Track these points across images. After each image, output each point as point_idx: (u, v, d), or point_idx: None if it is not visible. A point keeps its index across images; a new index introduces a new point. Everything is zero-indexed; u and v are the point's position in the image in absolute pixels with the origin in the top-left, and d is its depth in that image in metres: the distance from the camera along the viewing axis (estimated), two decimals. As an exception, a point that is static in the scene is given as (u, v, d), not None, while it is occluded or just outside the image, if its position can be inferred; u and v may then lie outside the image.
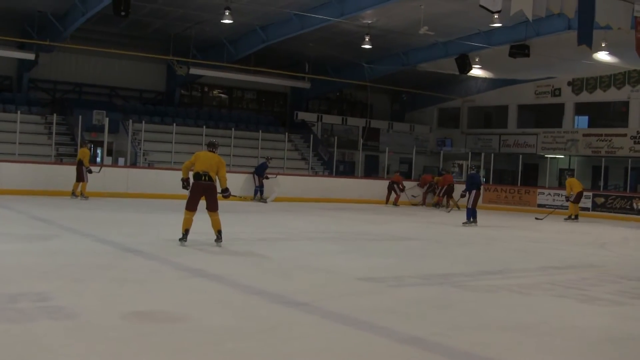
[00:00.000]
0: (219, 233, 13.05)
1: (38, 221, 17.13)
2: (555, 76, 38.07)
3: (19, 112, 29.34)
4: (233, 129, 34.38)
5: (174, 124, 32.30)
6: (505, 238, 19.98)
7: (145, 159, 31.73)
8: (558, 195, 30.70)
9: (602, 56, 29.59)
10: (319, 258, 12.90)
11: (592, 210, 31.35)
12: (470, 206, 21.73)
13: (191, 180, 13.21)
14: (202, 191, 12.99)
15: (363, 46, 31.14)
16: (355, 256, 13.66)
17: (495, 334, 7.51)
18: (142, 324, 7.13)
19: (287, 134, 36.90)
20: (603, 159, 34.22)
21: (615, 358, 7.07)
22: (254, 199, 29.06)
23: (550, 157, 39.07)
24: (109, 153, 31.90)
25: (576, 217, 27.49)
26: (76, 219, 18.23)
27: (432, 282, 10.78)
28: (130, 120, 31.52)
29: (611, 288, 10.91)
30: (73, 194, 24.81)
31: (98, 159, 32.44)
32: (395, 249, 15.76)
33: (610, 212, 30.84)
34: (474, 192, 21.86)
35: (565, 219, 27.46)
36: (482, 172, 38.72)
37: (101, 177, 26.13)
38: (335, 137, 38.28)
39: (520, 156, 36.39)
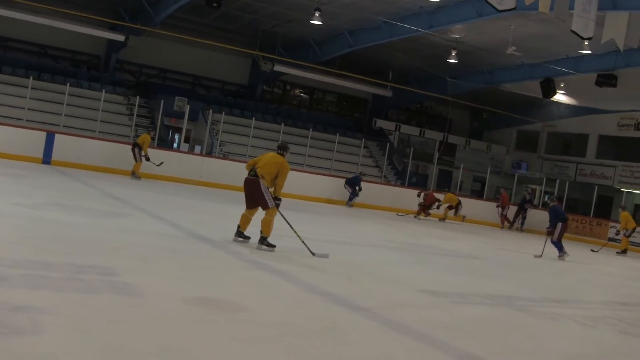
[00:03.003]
0: (261, 234, 11.90)
1: (112, 199, 17.38)
2: (641, 110, 37.45)
3: (103, 91, 29.92)
4: (311, 129, 34.52)
5: (253, 119, 32.51)
6: (573, 268, 19.67)
7: (221, 150, 32.01)
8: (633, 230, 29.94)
9: (693, 94, 29.05)
10: (383, 266, 12.88)
11: (665, 250, 30.79)
12: (556, 239, 20.65)
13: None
14: (247, 187, 12.05)
15: (449, 60, 31.08)
16: (419, 268, 13.63)
17: (554, 362, 7.43)
18: (203, 310, 7.20)
19: (363, 140, 36.90)
20: (682, 199, 33.60)
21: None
22: (346, 204, 29.42)
23: (627, 192, 38.43)
24: (187, 140, 32.27)
25: (625, 251, 27.16)
26: (149, 200, 18.49)
27: (495, 303, 10.69)
28: (211, 110, 31.83)
29: (678, 330, 10.71)
30: (133, 174, 25.28)
31: (175, 145, 32.88)
32: (460, 265, 15.67)
33: (684, 253, 30.19)
34: (560, 224, 20.49)
35: (618, 253, 27.03)
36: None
37: (176, 163, 26.49)
38: (412, 148, 38.13)
39: (596, 187, 35.81)
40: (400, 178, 37.16)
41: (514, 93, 37.21)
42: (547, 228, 20.60)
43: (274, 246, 11.83)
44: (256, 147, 31.09)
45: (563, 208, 32.71)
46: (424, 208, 29.50)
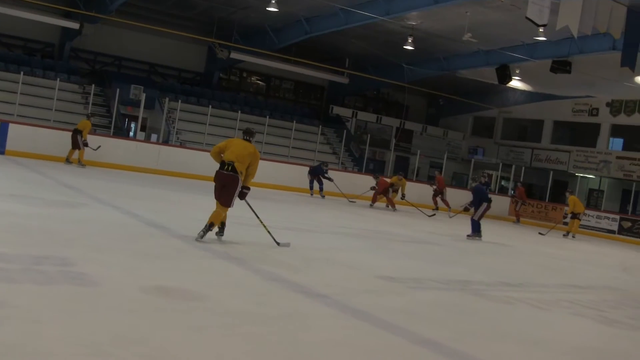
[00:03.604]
0: (209, 226, 11.30)
1: (67, 188, 17.25)
2: (595, 96, 37.76)
3: (58, 79, 29.59)
4: (268, 117, 34.43)
5: (210, 106, 32.41)
6: (528, 252, 19.94)
7: (178, 138, 31.87)
8: (585, 215, 30.19)
9: (644, 80, 29.33)
10: (341, 253, 12.93)
11: (617, 234, 31.19)
12: (477, 219, 20.13)
13: None
14: (221, 180, 11.40)
15: (405, 47, 31.09)
16: (376, 255, 13.69)
17: (509, 346, 7.52)
18: (161, 299, 7.21)
19: (320, 127, 36.95)
20: (634, 184, 34.03)
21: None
22: (317, 193, 29.04)
23: (581, 176, 38.81)
24: (143, 128, 32.10)
25: (568, 233, 27.69)
26: (105, 189, 18.36)
27: (452, 288, 10.80)
28: (167, 98, 31.66)
29: (631, 312, 10.88)
30: (67, 160, 25.13)
31: (131, 133, 32.70)
32: (417, 251, 15.79)
33: (637, 237, 30.60)
34: (484, 205, 20.12)
35: (564, 235, 27.40)
36: (510, 184, 38.64)
37: (132, 152, 26.37)
38: (369, 135, 38.28)
39: (551, 172, 36.30)
40: (358, 165, 37.24)
41: (470, 79, 37.37)
42: (468, 205, 20.48)
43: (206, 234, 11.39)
44: (213, 134, 30.99)
45: (518, 192, 33.20)
46: (380, 194, 29.08)
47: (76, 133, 24.90)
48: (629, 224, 31.36)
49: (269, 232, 11.89)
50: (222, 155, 11.58)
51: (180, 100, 32.39)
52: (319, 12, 31.06)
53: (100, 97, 32.68)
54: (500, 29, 28.90)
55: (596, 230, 31.67)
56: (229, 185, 11.36)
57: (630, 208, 34.01)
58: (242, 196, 11.53)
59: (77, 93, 32.09)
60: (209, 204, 12.03)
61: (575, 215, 27.28)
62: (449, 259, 15.22)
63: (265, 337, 6.34)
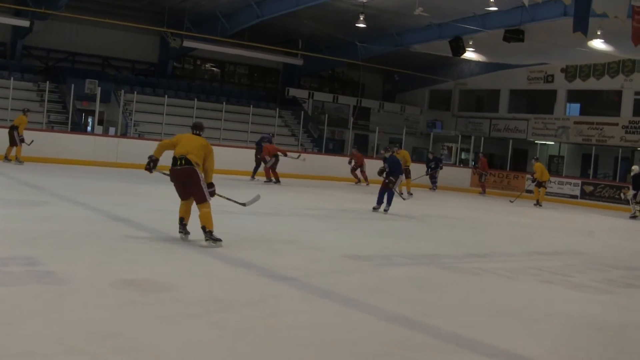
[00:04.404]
0: (203, 230, 10.38)
1: (28, 187, 17.13)
2: (549, 62, 38.01)
3: (12, 78, 29.19)
4: (224, 103, 34.27)
5: (166, 96, 32.20)
6: (492, 222, 20.09)
7: (136, 130, 31.68)
8: (547, 181, 30.34)
9: (597, 44, 29.48)
10: (306, 234, 12.95)
11: (580, 198, 31.45)
12: (395, 191, 19.28)
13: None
14: (178, 178, 10.61)
15: (357, 25, 31.00)
16: (342, 234, 13.72)
17: (480, 317, 7.57)
18: (130, 293, 7.18)
19: (277, 109, 36.86)
20: (593, 148, 34.31)
21: (599, 345, 7.12)
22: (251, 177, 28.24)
23: (541, 143, 39.08)
24: (100, 122, 31.87)
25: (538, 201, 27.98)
26: (67, 186, 18.24)
27: (419, 263, 10.87)
28: (122, 91, 31.44)
29: (597, 276, 10.99)
30: (6, 158, 24.74)
31: (89, 128, 32.47)
32: (382, 228, 15.82)
33: (599, 200, 30.86)
34: (401, 176, 19.47)
35: (535, 204, 27.60)
36: (470, 156, 38.82)
37: (91, 146, 26.17)
38: (326, 115, 38.27)
39: (511, 141, 36.51)
40: (317, 145, 37.24)
41: (424, 54, 37.37)
42: (391, 178, 18.64)
43: (220, 240, 10.37)
44: (171, 124, 30.84)
45: (480, 164, 33.32)
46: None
47: (13, 129, 24.60)
48: (591, 188, 31.64)
49: (229, 199, 11.54)
50: (167, 150, 10.91)
51: (135, 92, 32.10)
52: (269, -5, 30.98)
53: (56, 93, 32.36)
54: (451, 2, 28.96)
55: (559, 196, 31.91)
56: (189, 180, 10.53)
57: (591, 172, 34.37)
58: (212, 194, 10.74)
59: (32, 91, 31.77)
60: (172, 193, 11.94)
61: (540, 184, 27.51)
62: (414, 234, 15.32)
63: (237, 324, 6.36)
